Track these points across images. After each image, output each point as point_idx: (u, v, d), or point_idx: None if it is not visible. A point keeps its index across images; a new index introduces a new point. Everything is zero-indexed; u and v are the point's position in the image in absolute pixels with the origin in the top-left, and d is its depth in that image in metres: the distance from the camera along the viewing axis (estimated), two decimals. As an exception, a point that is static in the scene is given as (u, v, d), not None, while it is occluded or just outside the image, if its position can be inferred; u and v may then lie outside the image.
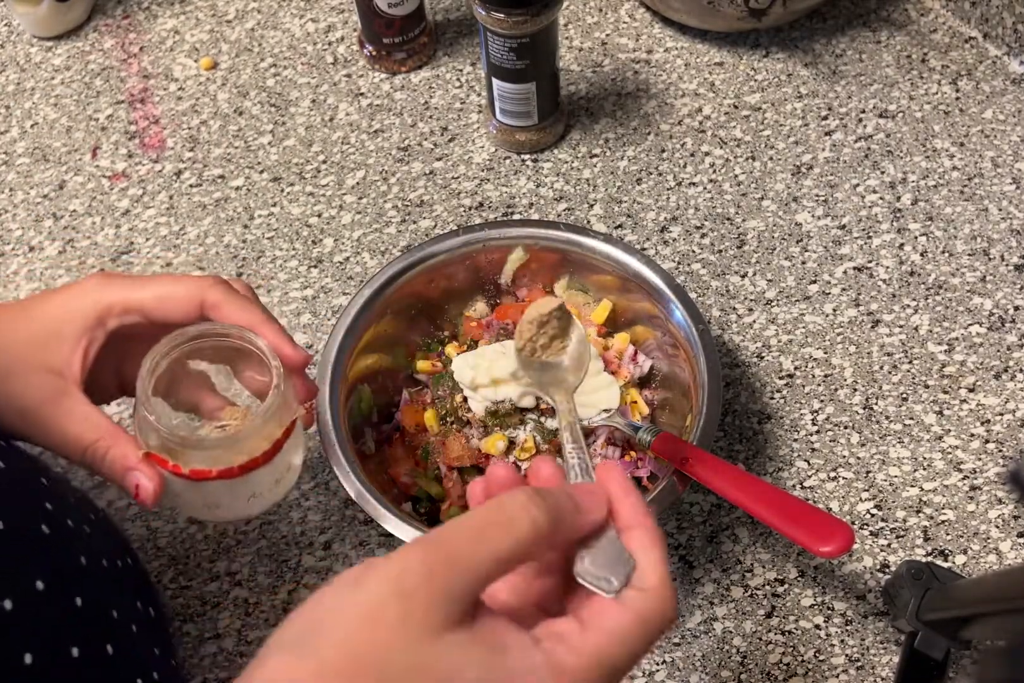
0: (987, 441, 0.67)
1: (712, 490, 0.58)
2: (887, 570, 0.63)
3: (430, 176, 0.82)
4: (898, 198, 0.78)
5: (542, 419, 0.65)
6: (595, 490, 0.40)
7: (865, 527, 0.65)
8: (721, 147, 0.82)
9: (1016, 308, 0.73)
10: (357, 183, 0.82)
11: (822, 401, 0.70)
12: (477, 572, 0.36)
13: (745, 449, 0.68)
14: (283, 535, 0.66)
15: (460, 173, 0.82)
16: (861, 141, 0.81)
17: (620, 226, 0.78)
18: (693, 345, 0.63)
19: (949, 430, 0.68)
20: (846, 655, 0.61)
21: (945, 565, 0.63)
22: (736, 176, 0.80)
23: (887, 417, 0.69)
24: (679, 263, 0.76)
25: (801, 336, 0.72)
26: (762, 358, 0.72)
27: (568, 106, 0.84)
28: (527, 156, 0.82)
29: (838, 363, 0.71)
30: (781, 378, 0.71)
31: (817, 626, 0.62)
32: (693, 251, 0.77)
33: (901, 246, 0.76)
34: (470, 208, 0.80)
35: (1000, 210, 0.77)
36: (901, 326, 0.72)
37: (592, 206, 0.79)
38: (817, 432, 0.68)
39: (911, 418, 0.69)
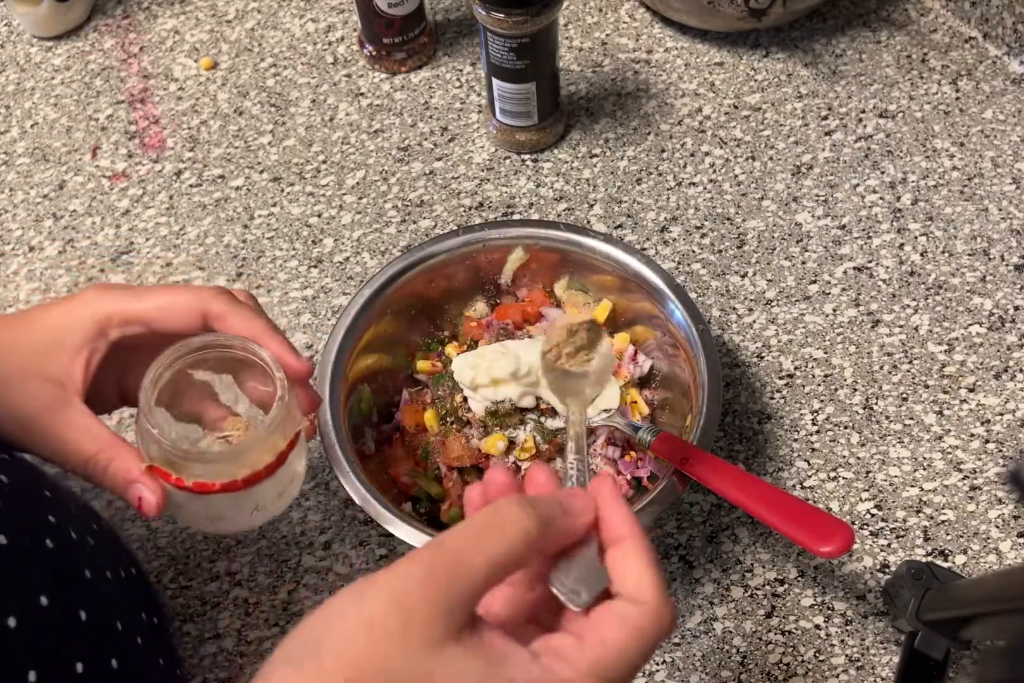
0: (987, 441, 0.67)
1: (712, 490, 0.58)
2: (887, 570, 0.63)
3: (430, 176, 0.82)
4: (898, 198, 0.78)
5: (542, 419, 0.65)
6: (583, 494, 0.41)
7: (865, 527, 0.65)
8: (721, 147, 0.82)
9: (1016, 308, 0.73)
10: (357, 183, 0.82)
11: (822, 401, 0.70)
12: (475, 578, 0.36)
13: (745, 449, 0.68)
14: (283, 535, 0.66)
15: (460, 173, 0.82)
16: (861, 141, 0.81)
17: (620, 226, 0.78)
18: (693, 345, 0.63)
19: (949, 430, 0.68)
20: (846, 655, 0.61)
21: (945, 565, 0.63)
22: (736, 176, 0.80)
23: (887, 417, 0.69)
24: (679, 263, 0.76)
25: (801, 336, 0.72)
26: (762, 358, 0.72)
27: (568, 106, 0.84)
28: (527, 156, 0.82)
29: (838, 363, 0.71)
30: (781, 378, 0.71)
31: (817, 626, 0.62)
32: (693, 251, 0.77)
33: (901, 246, 0.76)
34: (470, 208, 0.80)
35: (1000, 210, 0.77)
36: (901, 326, 0.72)
37: (592, 206, 0.79)
38: (817, 432, 0.68)
39: (911, 418, 0.69)
